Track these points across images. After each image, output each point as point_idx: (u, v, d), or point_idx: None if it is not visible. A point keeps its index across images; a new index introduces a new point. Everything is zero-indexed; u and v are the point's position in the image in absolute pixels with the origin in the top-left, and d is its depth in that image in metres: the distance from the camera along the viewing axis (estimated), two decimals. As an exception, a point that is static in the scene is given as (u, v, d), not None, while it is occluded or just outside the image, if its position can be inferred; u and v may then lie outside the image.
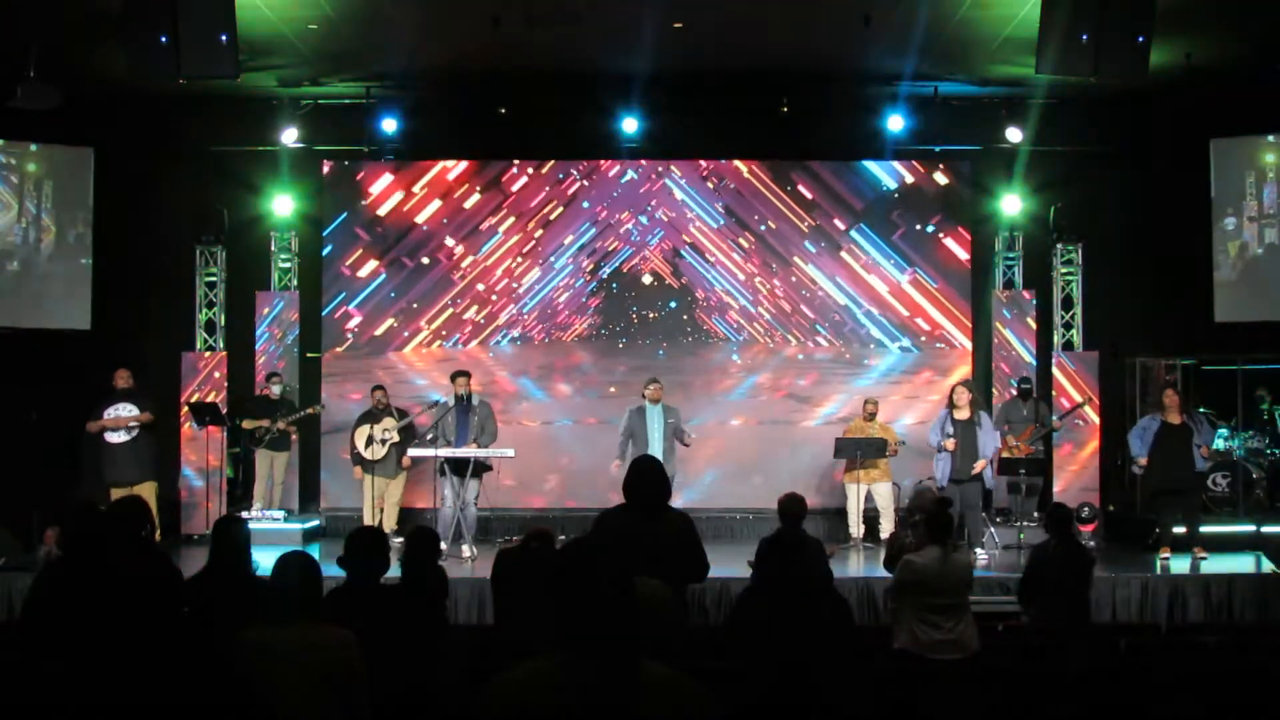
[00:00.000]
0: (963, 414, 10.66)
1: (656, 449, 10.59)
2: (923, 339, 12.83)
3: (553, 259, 12.95)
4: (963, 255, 12.87)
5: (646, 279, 12.96)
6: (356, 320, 12.92)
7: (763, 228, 12.89)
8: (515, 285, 12.95)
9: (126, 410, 10.92)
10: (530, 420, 12.81)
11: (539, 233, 12.93)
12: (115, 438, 10.86)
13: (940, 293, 12.83)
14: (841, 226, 12.88)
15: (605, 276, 12.95)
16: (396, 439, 11.29)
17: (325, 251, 12.91)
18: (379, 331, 12.92)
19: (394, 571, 5.46)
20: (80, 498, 9.23)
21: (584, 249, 12.95)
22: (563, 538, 10.75)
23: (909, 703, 5.70)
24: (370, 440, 11.29)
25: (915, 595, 6.18)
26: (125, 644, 4.10)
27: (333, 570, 4.91)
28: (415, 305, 12.93)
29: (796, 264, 12.90)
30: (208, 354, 12.56)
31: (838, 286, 12.89)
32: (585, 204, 12.98)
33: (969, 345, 12.81)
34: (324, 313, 12.88)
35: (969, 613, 6.16)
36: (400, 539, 8.41)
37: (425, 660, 5.01)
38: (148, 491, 10.74)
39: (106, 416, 10.87)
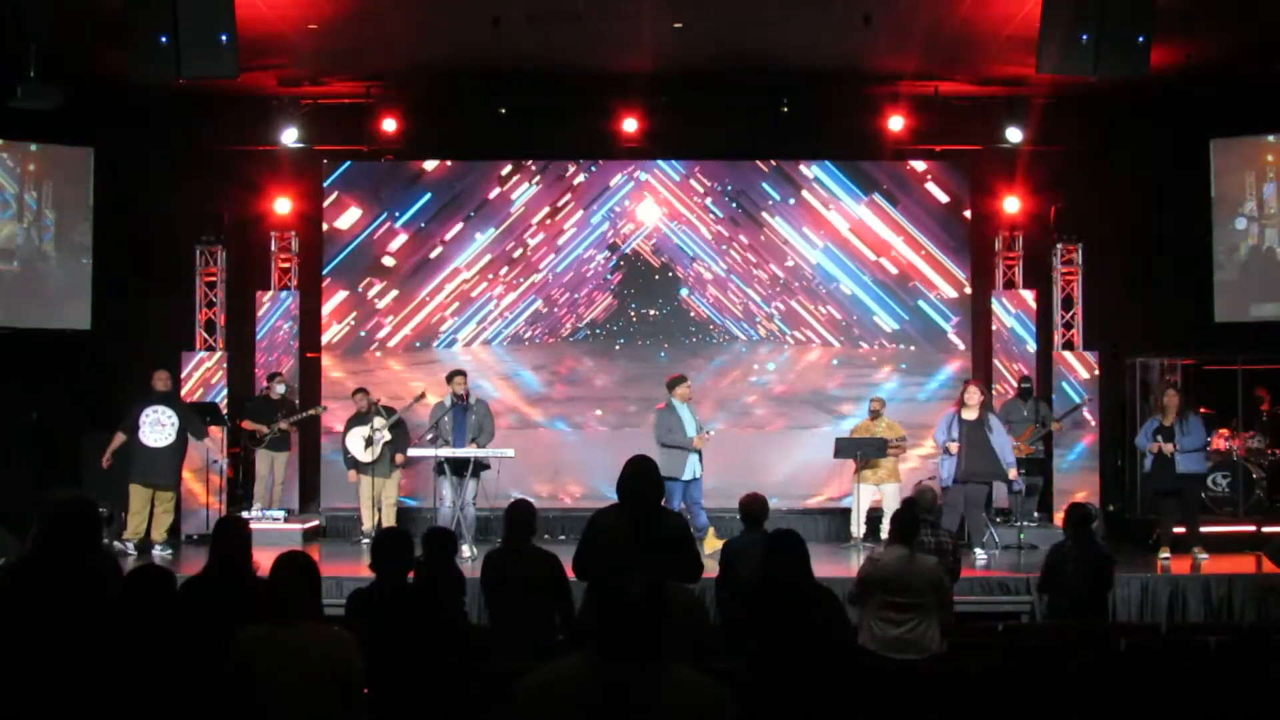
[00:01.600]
0: (972, 414, 10.60)
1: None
2: (928, 331, 12.83)
3: (551, 258, 12.94)
4: (964, 255, 12.87)
5: (646, 277, 12.96)
6: (352, 321, 12.92)
7: (769, 218, 12.88)
8: (513, 285, 12.95)
9: (168, 417, 10.88)
10: (527, 419, 12.82)
11: (535, 232, 12.93)
12: (156, 440, 10.84)
13: (944, 296, 12.86)
14: (848, 222, 12.88)
15: (604, 275, 12.95)
16: (389, 437, 11.27)
17: (324, 251, 12.90)
18: (374, 333, 12.92)
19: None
20: (53, 497, 9.17)
21: (583, 247, 12.94)
22: (562, 538, 10.79)
23: (865, 700, 5.71)
24: (369, 442, 11.25)
25: (877, 593, 6.19)
26: (106, 646, 4.07)
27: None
28: (411, 306, 12.92)
29: (798, 257, 12.87)
30: (208, 354, 12.56)
31: (846, 271, 12.86)
32: (584, 203, 12.97)
33: (968, 302, 12.79)
34: (323, 313, 12.88)
35: (932, 615, 6.15)
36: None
37: (441, 657, 5.03)
38: (172, 497, 10.96)
39: (143, 424, 10.82)
